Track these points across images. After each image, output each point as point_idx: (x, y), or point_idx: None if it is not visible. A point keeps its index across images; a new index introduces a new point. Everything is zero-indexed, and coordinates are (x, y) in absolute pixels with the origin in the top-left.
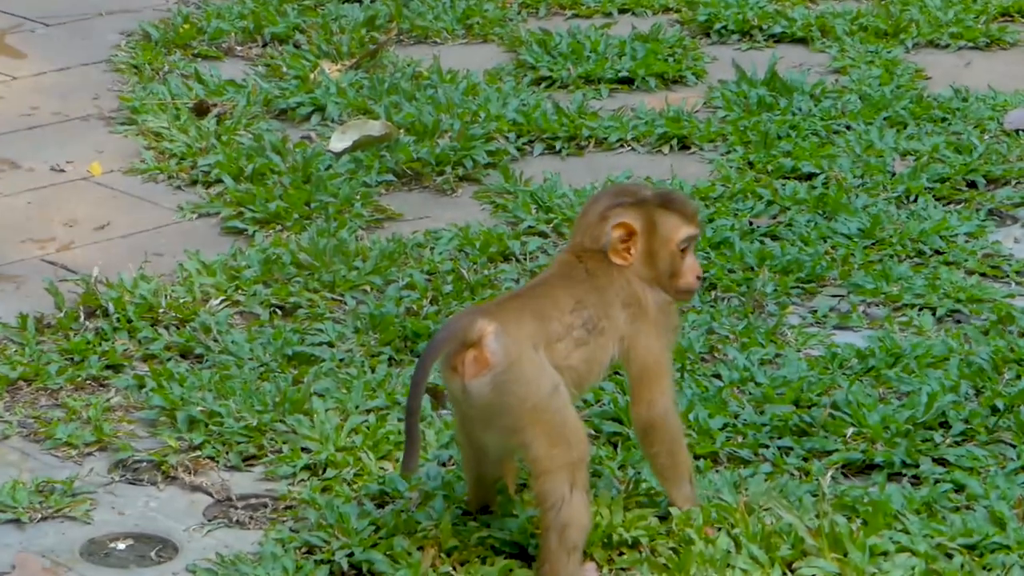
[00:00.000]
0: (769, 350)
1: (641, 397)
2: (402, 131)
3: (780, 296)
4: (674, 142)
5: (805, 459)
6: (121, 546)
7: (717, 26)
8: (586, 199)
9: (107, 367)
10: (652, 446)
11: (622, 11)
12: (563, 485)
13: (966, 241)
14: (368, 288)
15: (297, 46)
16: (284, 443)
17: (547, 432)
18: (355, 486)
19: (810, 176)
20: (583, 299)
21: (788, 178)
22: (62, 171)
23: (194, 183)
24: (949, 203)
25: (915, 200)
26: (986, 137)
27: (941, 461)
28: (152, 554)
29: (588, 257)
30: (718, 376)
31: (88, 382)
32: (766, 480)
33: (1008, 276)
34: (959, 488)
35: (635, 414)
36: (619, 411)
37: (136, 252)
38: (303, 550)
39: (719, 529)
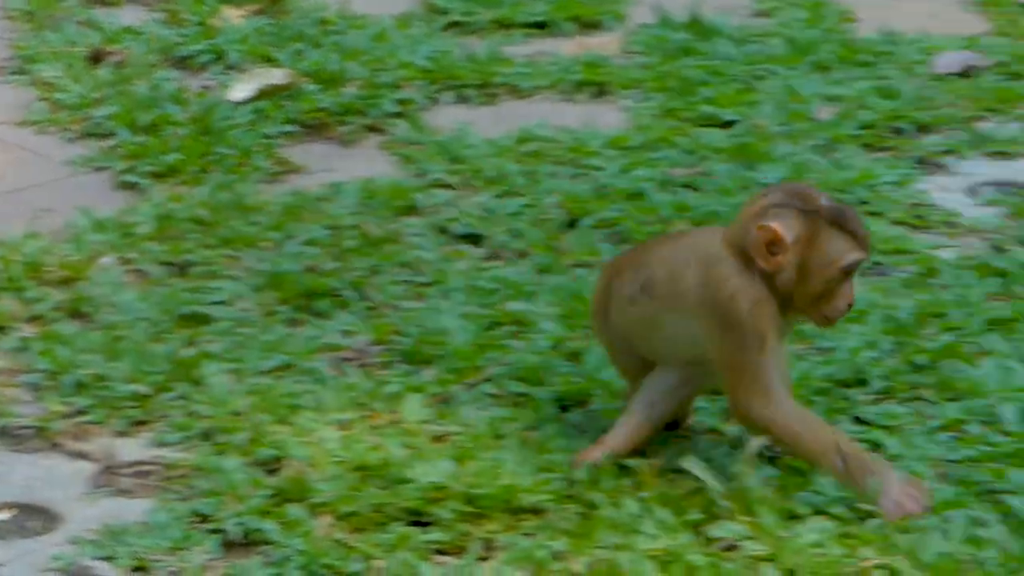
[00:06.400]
0: None
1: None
2: (306, 79)
3: None
4: (591, 89)
5: None
6: (3, 516)
7: None
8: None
9: None
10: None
11: None
12: None
13: (892, 190)
14: (267, 244)
15: None
16: (175, 407)
17: None
18: (248, 451)
19: (731, 124)
20: None
21: (708, 126)
22: None
23: (88, 135)
24: (875, 151)
25: (839, 148)
26: (914, 82)
27: (860, 419)
28: (34, 524)
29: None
30: None
31: None
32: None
33: (934, 227)
34: (877, 447)
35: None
36: (526, 371)
37: (24, 208)
38: (193, 519)
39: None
